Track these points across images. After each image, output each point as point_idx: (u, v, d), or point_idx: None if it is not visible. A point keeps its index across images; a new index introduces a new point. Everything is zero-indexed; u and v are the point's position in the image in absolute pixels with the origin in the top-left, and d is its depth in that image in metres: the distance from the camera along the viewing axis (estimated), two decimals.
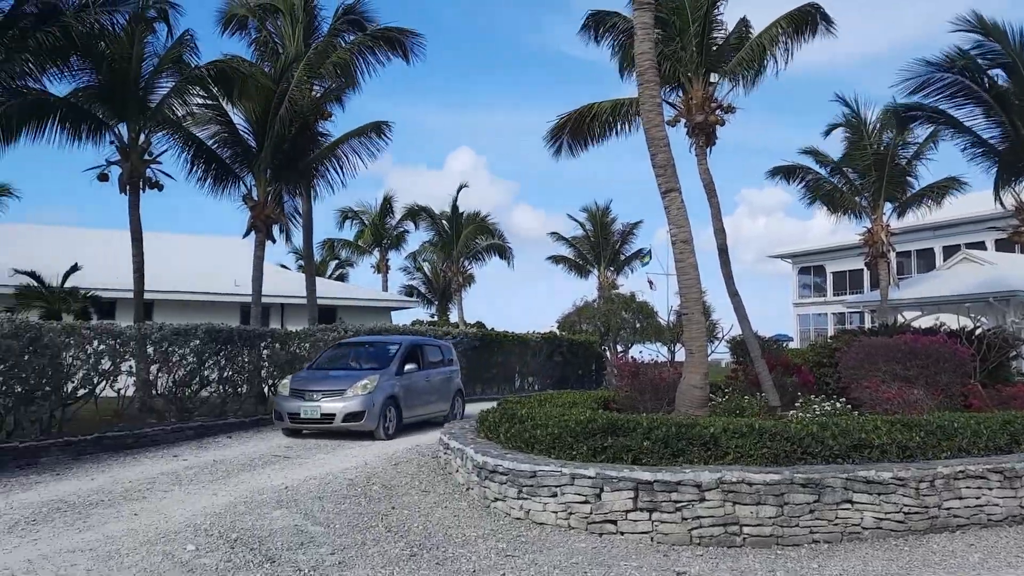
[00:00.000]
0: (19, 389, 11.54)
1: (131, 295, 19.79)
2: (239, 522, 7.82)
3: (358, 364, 15.08)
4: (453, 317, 45.54)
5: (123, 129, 19.70)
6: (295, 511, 8.30)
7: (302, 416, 13.49)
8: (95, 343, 12.77)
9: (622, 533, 7.59)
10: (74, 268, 22.41)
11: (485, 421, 10.74)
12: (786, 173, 26.93)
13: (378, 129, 22.91)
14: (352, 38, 23.96)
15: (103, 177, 19.70)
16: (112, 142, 19.58)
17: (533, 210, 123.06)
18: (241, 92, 20.32)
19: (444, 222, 44.30)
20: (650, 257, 44.24)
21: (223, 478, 10.22)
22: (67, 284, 22.38)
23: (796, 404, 12.68)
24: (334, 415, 13.31)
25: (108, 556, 6.66)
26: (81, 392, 12.64)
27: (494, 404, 11.98)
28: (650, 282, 37.38)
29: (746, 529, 7.53)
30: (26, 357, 11.45)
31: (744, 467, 7.87)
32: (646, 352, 34.91)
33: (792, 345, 40.18)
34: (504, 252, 45.25)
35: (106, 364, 12.97)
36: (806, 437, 8.37)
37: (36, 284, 22.20)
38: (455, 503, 8.84)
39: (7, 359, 11.12)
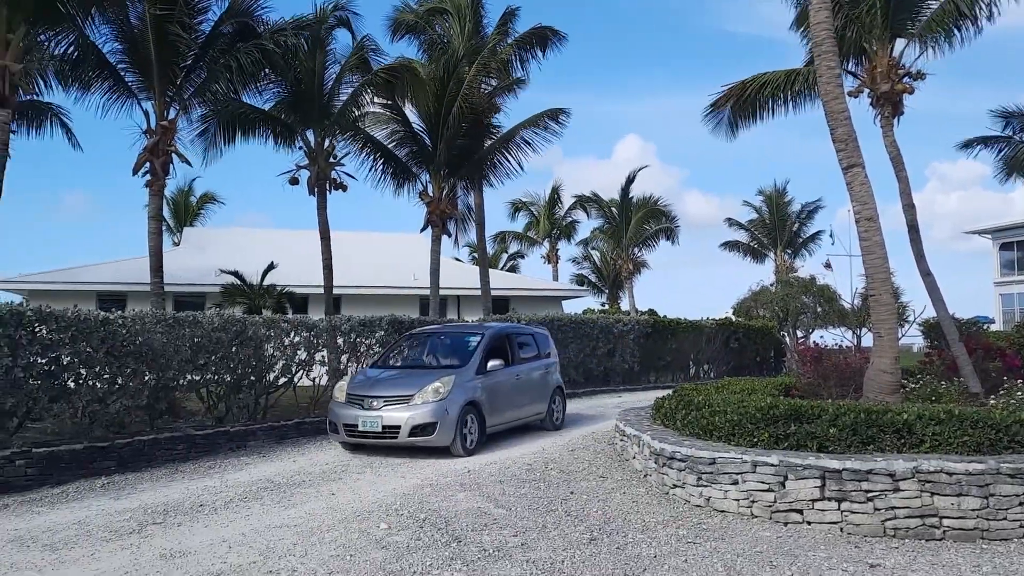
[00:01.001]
0: (229, 378, 12.64)
1: (322, 290, 21.11)
2: (426, 503, 8.21)
3: (431, 361, 12.84)
4: (624, 305, 45.34)
5: (310, 135, 21.04)
6: (478, 494, 8.61)
7: (360, 429, 11.03)
8: (292, 335, 13.73)
9: (809, 523, 7.34)
10: (271, 267, 24.14)
11: (661, 408, 10.68)
12: (985, 142, 24.76)
13: (554, 116, 23.07)
14: (511, 38, 24.46)
15: (294, 181, 21.15)
16: (301, 148, 20.98)
17: (703, 195, 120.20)
18: (414, 93, 21.16)
19: (613, 209, 44.13)
20: (832, 238, 42.13)
21: (410, 461, 10.74)
22: (265, 282, 24.15)
23: (1000, 390, 11.73)
24: (398, 427, 10.80)
25: (310, 532, 7.19)
26: (281, 381, 13.65)
27: (668, 392, 11.88)
28: (828, 264, 35.54)
29: (946, 522, 7.07)
30: (233, 348, 12.50)
31: (943, 456, 7.39)
32: (828, 337, 33.38)
33: (994, 327, 37.05)
34: (672, 234, 44.48)
35: (302, 355, 13.92)
36: (1013, 424, 7.74)
37: (239, 282, 24.11)
38: (633, 489, 8.85)
39: (218, 350, 12.19)
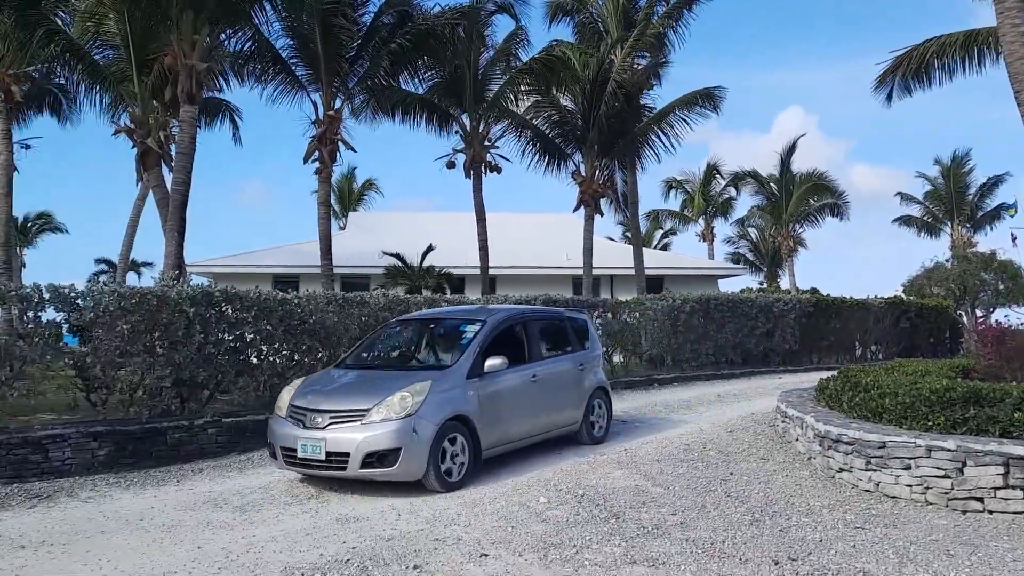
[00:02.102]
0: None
1: (478, 271, 21.68)
2: (583, 479, 8.33)
3: (411, 359, 9.77)
4: (784, 284, 43.75)
5: (465, 120, 21.58)
6: (635, 472, 8.64)
7: (300, 455, 7.88)
8: None
9: (990, 512, 6.91)
10: (430, 249, 24.98)
11: (825, 389, 10.31)
12: None
13: (708, 96, 22.57)
14: (662, 10, 23.95)
15: (451, 164, 21.81)
16: (457, 132, 21.57)
17: (871, 168, 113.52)
18: (566, 75, 21.25)
19: (772, 185, 42.56)
20: (1015, 210, 38.87)
21: (567, 438, 10.89)
22: (424, 263, 25.01)
23: None
24: (347, 455, 7.63)
25: (473, 503, 7.46)
26: None
27: (831, 373, 11.43)
28: (1013, 237, 32.84)
29: None
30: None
31: None
32: (1012, 317, 30.90)
33: None
34: (840, 211, 42.34)
35: None
36: None
37: (400, 264, 25.11)
38: (796, 472, 8.63)
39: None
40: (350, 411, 7.88)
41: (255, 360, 11.30)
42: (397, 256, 25.15)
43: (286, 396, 8.53)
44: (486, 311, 10.03)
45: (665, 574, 5.49)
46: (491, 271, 22.64)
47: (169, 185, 15.58)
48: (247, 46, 17.61)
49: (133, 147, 17.07)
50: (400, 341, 10.22)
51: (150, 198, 20.82)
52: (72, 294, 9.76)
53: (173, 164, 15.11)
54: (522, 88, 21.93)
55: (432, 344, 9.94)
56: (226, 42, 17.19)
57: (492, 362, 8.72)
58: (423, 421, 7.77)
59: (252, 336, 11.08)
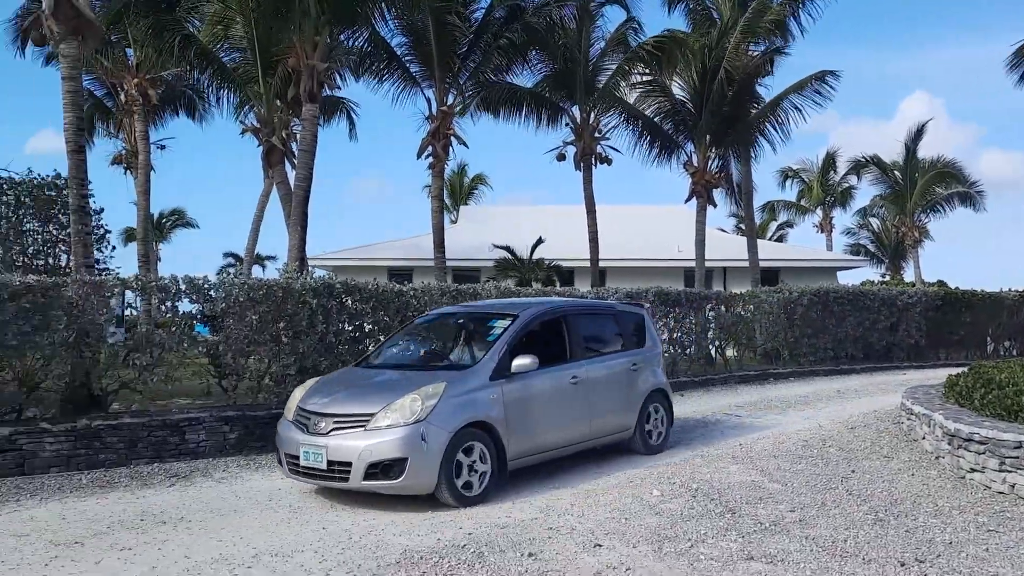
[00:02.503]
0: None
1: (587, 263, 21.67)
2: (697, 473, 8.25)
3: (431, 358, 8.79)
4: (908, 276, 41.79)
5: (575, 112, 21.57)
6: (750, 467, 8.49)
7: (302, 463, 7.24)
8: None
9: None
10: (539, 241, 25.12)
11: (955, 386, 9.84)
12: None
13: (822, 79, 21.83)
14: None
15: (561, 157, 21.87)
16: (567, 125, 21.60)
17: (1004, 154, 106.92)
18: (678, 63, 20.95)
19: (896, 173, 40.66)
20: None
21: (678, 432, 10.78)
22: (534, 255, 25.17)
23: None
24: (349, 465, 6.96)
25: (586, 494, 7.51)
26: None
27: (960, 370, 10.90)
28: None
29: None
30: None
31: None
32: None
33: None
34: (973, 200, 40.02)
35: None
36: None
37: (510, 256, 25.35)
38: (922, 471, 8.28)
39: None
40: (355, 416, 7.13)
41: (372, 349, 11.58)
42: (507, 249, 25.40)
43: (296, 396, 7.86)
44: (521, 305, 9.02)
45: (783, 571, 5.39)
46: (601, 263, 22.57)
47: (292, 181, 16.25)
48: (364, 45, 18.16)
49: (259, 145, 17.89)
50: (428, 338, 9.26)
51: (274, 194, 21.76)
52: (206, 285, 10.33)
53: (296, 161, 15.76)
54: (633, 77, 21.76)
55: (458, 342, 8.90)
56: (345, 42, 17.77)
57: (520, 362, 7.76)
58: (434, 428, 6.96)
59: (370, 326, 11.45)
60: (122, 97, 21.07)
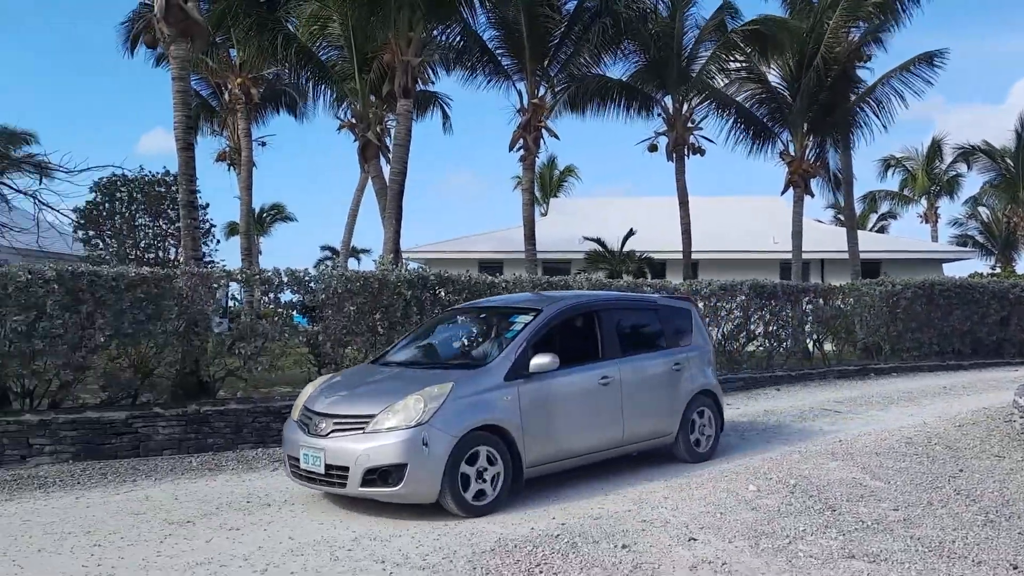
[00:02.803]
0: None
1: (679, 255, 21.41)
2: (795, 469, 8.07)
3: (446, 355, 8.24)
4: (1020, 268, 39.74)
5: (667, 101, 21.31)
6: (851, 464, 8.26)
7: (302, 466, 6.81)
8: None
9: None
10: (630, 233, 24.92)
11: None
12: None
13: (928, 60, 20.89)
14: None
15: (652, 148, 21.65)
16: (659, 114, 21.36)
17: None
18: (774, 48, 20.43)
19: (1007, 160, 38.67)
20: None
21: (775, 428, 10.60)
22: (624, 248, 24.99)
23: None
24: (347, 470, 6.49)
25: (679, 488, 7.45)
26: None
27: None
28: None
29: None
30: None
31: None
32: None
33: None
34: None
35: None
36: None
37: (600, 248, 25.23)
38: None
39: None
40: (355, 417, 6.68)
41: (465, 341, 11.73)
42: (598, 241, 25.30)
43: (304, 394, 7.48)
44: (548, 299, 8.44)
45: (887, 571, 5.24)
46: (693, 256, 22.26)
47: (387, 175, 16.60)
48: (457, 40, 18.38)
49: (355, 140, 18.35)
50: (450, 334, 8.66)
51: (369, 188, 22.26)
52: (307, 278, 10.68)
53: (391, 155, 16.09)
54: (728, 64, 21.34)
55: (479, 339, 8.29)
56: (438, 37, 18.02)
57: (540, 361, 7.16)
58: (437, 432, 6.43)
59: None
60: (226, 96, 21.91)
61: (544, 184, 49.61)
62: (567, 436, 7.41)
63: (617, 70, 21.54)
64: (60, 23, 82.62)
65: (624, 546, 5.72)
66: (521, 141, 18.92)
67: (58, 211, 18.02)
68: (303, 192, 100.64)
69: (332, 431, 6.68)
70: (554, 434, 7.28)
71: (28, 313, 8.68)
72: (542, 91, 19.51)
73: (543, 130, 19.25)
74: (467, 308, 9.09)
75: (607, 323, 8.10)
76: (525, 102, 19.02)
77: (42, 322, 8.74)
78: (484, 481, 6.66)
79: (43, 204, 17.49)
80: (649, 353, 8.47)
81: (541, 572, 5.23)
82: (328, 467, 6.57)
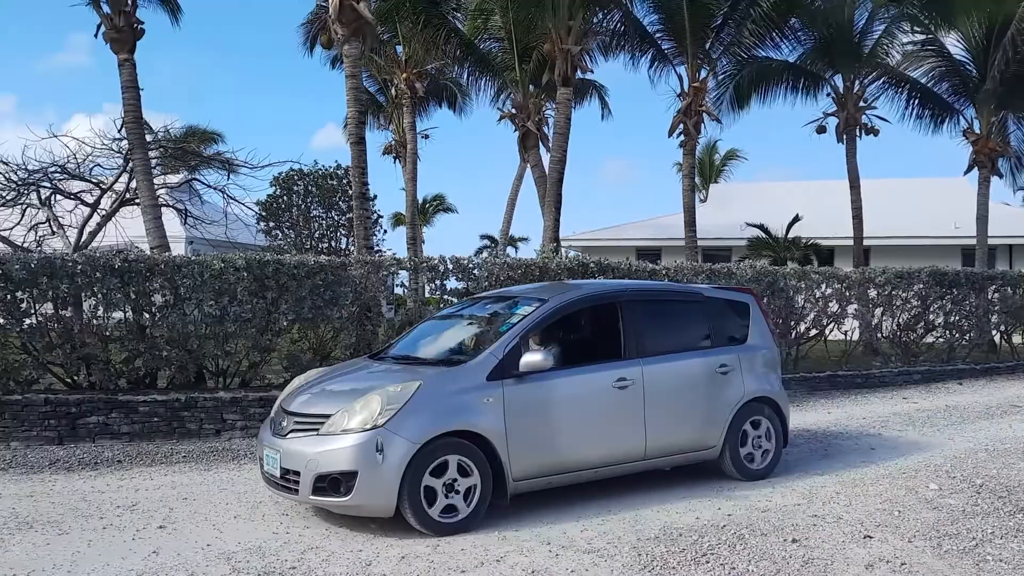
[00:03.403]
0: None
1: (849, 242, 20.42)
2: (982, 469, 7.59)
3: (434, 351, 7.19)
4: None
5: (837, 81, 20.32)
6: None
7: (264, 467, 6.25)
8: (823, 287, 13.60)
9: None
10: (796, 219, 24.00)
11: None
12: None
13: None
14: None
15: (821, 129, 20.72)
16: (828, 95, 20.41)
17: None
18: (957, 17, 19.02)
19: None
20: None
21: (958, 424, 9.99)
22: (790, 234, 24.10)
23: None
24: (299, 474, 5.83)
25: (852, 483, 7.17)
26: (812, 333, 13.66)
27: None
28: None
29: None
30: (764, 299, 12.84)
31: None
32: None
33: None
34: None
35: (833, 307, 13.72)
36: None
37: (763, 235, 24.47)
38: None
39: None
40: (312, 417, 6.04)
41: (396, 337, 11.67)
42: (761, 227, 24.53)
43: (287, 390, 6.96)
44: (558, 288, 7.82)
45: None
46: (865, 242, 21.13)
47: (546, 164, 16.78)
48: (617, 25, 18.27)
49: (515, 130, 18.65)
50: (453, 327, 7.60)
51: (527, 177, 22.56)
52: (470, 265, 11.00)
53: (550, 144, 16.25)
54: (904, 37, 20.08)
55: (477, 332, 7.25)
56: (597, 24, 17.99)
57: (531, 359, 6.22)
58: (395, 437, 5.63)
59: None
60: (392, 91, 22.78)
61: (704, 170, 48.41)
62: (569, 446, 6.39)
63: (781, 51, 20.72)
64: (246, 31, 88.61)
65: (794, 540, 5.58)
66: (681, 126, 18.58)
67: (243, 204, 19.47)
68: (462, 183, 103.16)
69: (290, 431, 6.07)
70: (551, 444, 6.30)
71: (221, 299, 9.43)
72: (703, 74, 19.09)
73: (704, 114, 18.84)
74: (483, 297, 8.13)
75: (631, 317, 6.98)
76: (685, 86, 18.67)
77: (233, 307, 9.48)
78: (455, 495, 5.77)
79: (231, 198, 18.94)
80: (687, 353, 7.28)
81: (707, 562, 5.20)
82: (284, 470, 5.93)
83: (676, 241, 21.74)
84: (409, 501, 5.62)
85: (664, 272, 11.90)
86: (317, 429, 5.88)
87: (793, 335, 13.40)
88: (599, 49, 20.27)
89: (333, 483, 5.67)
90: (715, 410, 7.22)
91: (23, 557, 5.34)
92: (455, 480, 5.80)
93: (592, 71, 20.41)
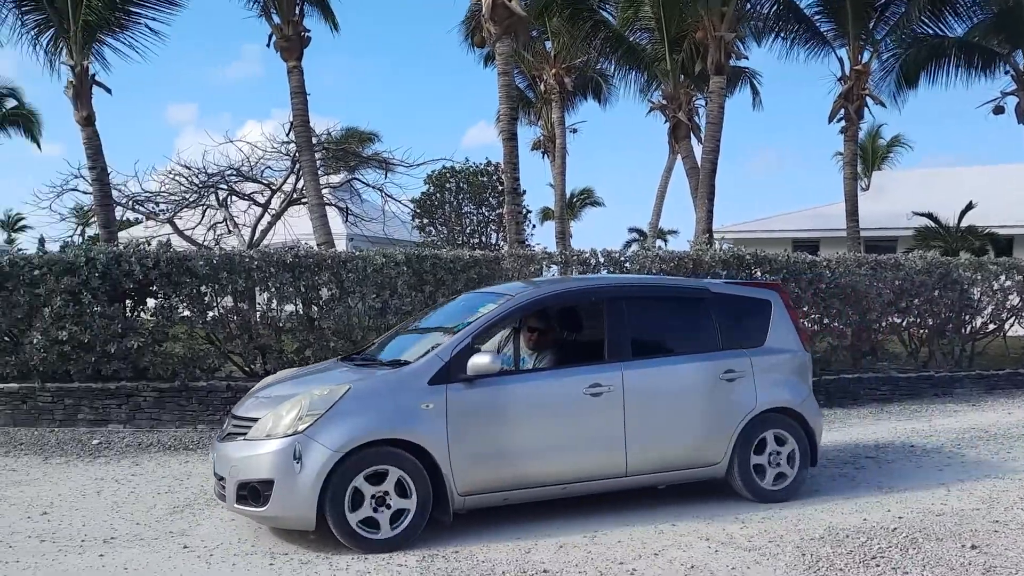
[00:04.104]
0: (931, 322, 12.31)
1: None
2: None
3: (401, 351, 6.27)
4: None
5: (1018, 58, 18.86)
6: None
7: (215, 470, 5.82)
8: (1002, 278, 12.67)
9: None
10: (969, 206, 22.43)
11: None
12: None
13: None
14: None
15: (998, 110, 19.31)
16: (1007, 72, 18.96)
17: None
18: None
19: None
20: None
21: None
22: (962, 223, 22.55)
23: None
24: (225, 480, 5.53)
25: (992, 499, 6.69)
26: (989, 327, 12.79)
27: None
28: None
29: None
30: (936, 292, 12.11)
31: None
32: None
33: None
34: None
35: (1014, 300, 12.75)
36: None
37: (932, 224, 22.99)
38: None
39: (920, 293, 11.96)
40: (245, 420, 5.67)
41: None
42: (929, 216, 23.06)
43: (255, 388, 6.60)
44: (533, 285, 7.12)
45: None
46: None
47: (699, 155, 16.47)
48: (770, 9, 17.67)
49: (665, 122, 18.40)
50: (428, 326, 6.78)
51: (678, 169, 22.20)
52: (622, 258, 10.97)
53: (703, 134, 15.94)
54: None
55: (432, 330, 6.53)
56: (750, 9, 17.47)
57: (478, 361, 5.59)
58: (314, 444, 5.19)
59: None
60: (541, 87, 22.96)
61: (866, 157, 46.05)
62: (527, 459, 5.72)
63: (951, 28, 19.37)
64: (400, 34, 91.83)
65: (973, 547, 5.26)
66: (842, 111, 17.74)
67: (399, 201, 20.23)
68: (608, 176, 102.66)
69: (227, 435, 5.77)
70: (505, 456, 5.66)
71: (382, 292, 9.85)
72: (866, 56, 18.15)
73: (867, 98, 17.91)
74: (479, 293, 7.21)
75: (615, 316, 6.23)
76: (847, 69, 17.81)
77: (393, 300, 9.88)
78: (385, 509, 5.29)
79: (387, 196, 19.72)
80: (682, 357, 6.44)
81: (878, 565, 4.98)
82: (216, 476, 5.66)
83: (835, 232, 20.82)
84: (332, 514, 5.17)
85: (826, 264, 11.43)
86: (244, 433, 5.53)
87: (967, 330, 12.57)
88: (751, 35, 19.68)
89: (252, 492, 5.29)
90: (718, 422, 6.30)
91: (210, 531, 5.79)
92: (387, 494, 5.29)
93: (747, 57, 19.84)
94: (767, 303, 6.84)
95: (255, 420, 5.54)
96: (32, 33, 14.71)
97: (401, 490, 5.31)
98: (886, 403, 11.03)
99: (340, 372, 6.11)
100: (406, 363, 5.75)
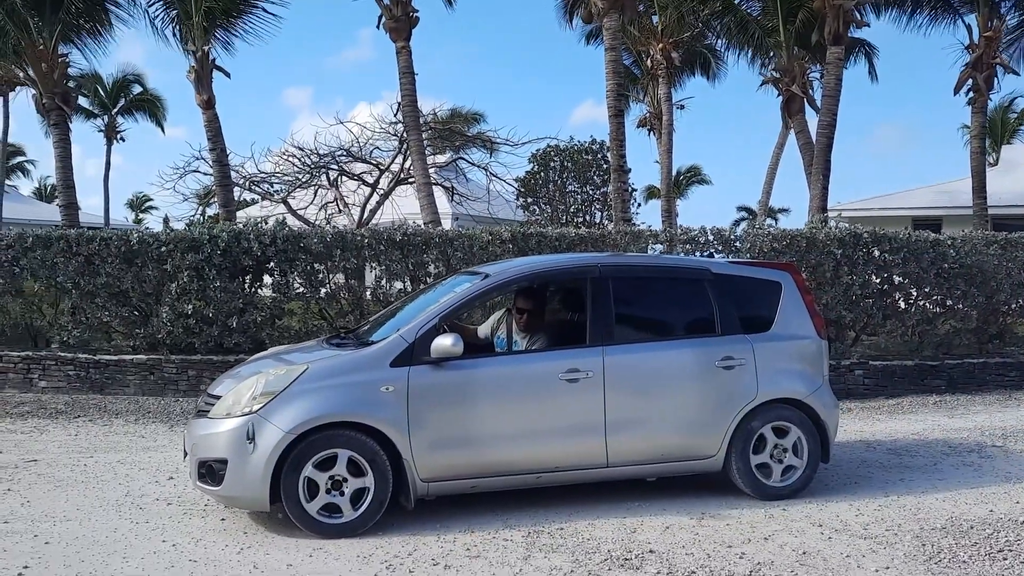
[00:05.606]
0: None
1: None
2: None
3: (384, 332, 5.84)
4: None
5: None
6: None
7: None
8: None
9: None
10: None
11: None
12: None
13: None
14: None
15: None
16: None
17: None
18: None
19: None
20: None
21: None
22: None
23: None
24: (186, 456, 5.65)
25: None
26: None
27: None
28: None
29: None
30: None
31: None
32: None
33: None
34: None
35: None
36: None
37: None
38: None
39: None
40: (211, 398, 5.61)
41: (903, 304, 10.95)
42: None
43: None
44: (513, 264, 6.52)
45: None
46: None
47: (814, 129, 15.86)
48: None
49: (778, 96, 17.79)
50: (415, 306, 6.31)
51: (790, 145, 21.46)
52: (732, 236, 10.72)
53: (819, 107, 15.34)
54: None
55: (412, 309, 6.20)
56: None
57: (441, 343, 5.32)
58: (268, 424, 5.07)
59: (900, 279, 10.79)
60: (648, 63, 22.56)
61: (994, 130, 43.38)
62: (494, 446, 5.47)
63: None
64: (506, 13, 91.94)
65: None
66: (970, 81, 16.75)
67: (504, 180, 20.31)
68: (717, 154, 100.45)
69: (198, 412, 5.71)
70: (471, 442, 5.42)
71: None
72: (994, 23, 17.05)
73: (997, 67, 16.85)
74: (458, 275, 7.08)
75: (600, 297, 5.81)
76: (975, 36, 16.79)
77: None
78: (340, 494, 5.14)
79: (492, 175, 19.83)
80: (674, 341, 6.07)
81: (1005, 559, 4.74)
82: (185, 453, 5.66)
83: (960, 210, 19.75)
84: (286, 496, 5.07)
85: (950, 243, 10.86)
86: (207, 412, 5.46)
87: None
88: (871, 5, 18.77)
89: (210, 470, 5.22)
90: (713, 412, 5.85)
91: None
92: (344, 478, 5.14)
93: (869, 25, 18.93)
94: (777, 285, 6.28)
95: (216, 398, 5.50)
96: (159, 20, 15.47)
97: (356, 470, 5.15)
98: (1014, 390, 10.45)
99: (316, 351, 5.87)
100: (372, 343, 5.58)
